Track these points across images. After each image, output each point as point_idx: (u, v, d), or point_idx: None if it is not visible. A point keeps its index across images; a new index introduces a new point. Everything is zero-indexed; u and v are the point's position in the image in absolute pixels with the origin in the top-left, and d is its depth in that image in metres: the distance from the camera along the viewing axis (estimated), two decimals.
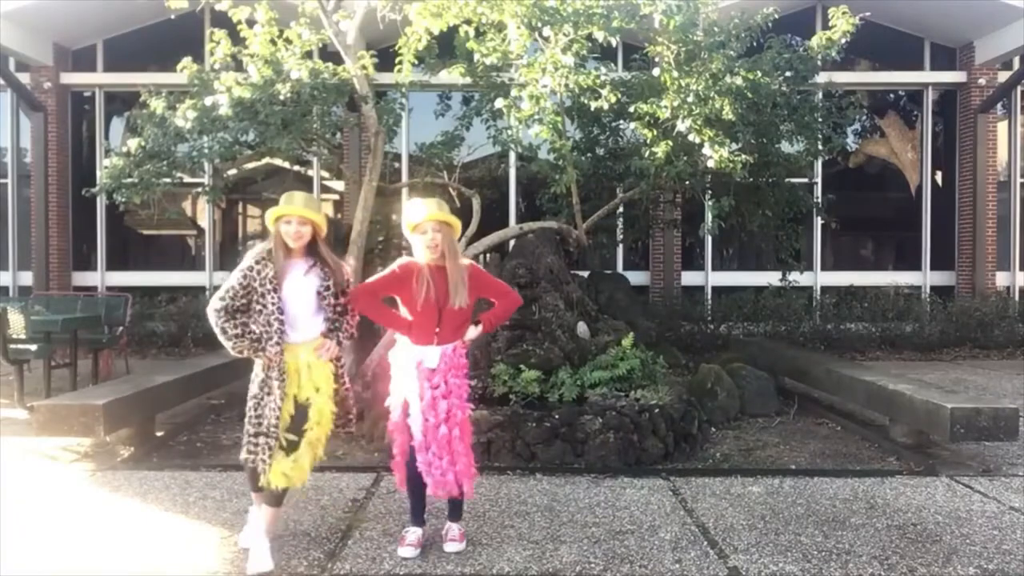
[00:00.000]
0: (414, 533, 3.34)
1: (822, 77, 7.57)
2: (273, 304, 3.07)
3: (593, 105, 6.11)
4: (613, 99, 6.04)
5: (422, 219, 3.21)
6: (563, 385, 5.23)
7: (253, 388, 3.17)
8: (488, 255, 7.53)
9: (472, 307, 3.36)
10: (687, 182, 6.74)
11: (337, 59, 6.69)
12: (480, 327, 3.39)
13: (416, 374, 3.22)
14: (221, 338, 3.10)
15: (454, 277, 3.22)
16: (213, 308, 3.09)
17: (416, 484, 3.29)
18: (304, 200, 3.16)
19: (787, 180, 7.48)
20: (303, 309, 3.16)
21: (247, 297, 3.10)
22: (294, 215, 3.10)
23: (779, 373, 7.06)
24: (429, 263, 3.25)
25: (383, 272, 3.34)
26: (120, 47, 11.60)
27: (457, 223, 3.35)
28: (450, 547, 3.32)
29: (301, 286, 3.15)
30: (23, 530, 3.58)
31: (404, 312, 3.31)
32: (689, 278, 11.66)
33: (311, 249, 3.20)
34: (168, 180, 6.50)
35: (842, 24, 6.49)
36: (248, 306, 3.12)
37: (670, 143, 5.96)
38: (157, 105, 6.28)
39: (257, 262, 3.10)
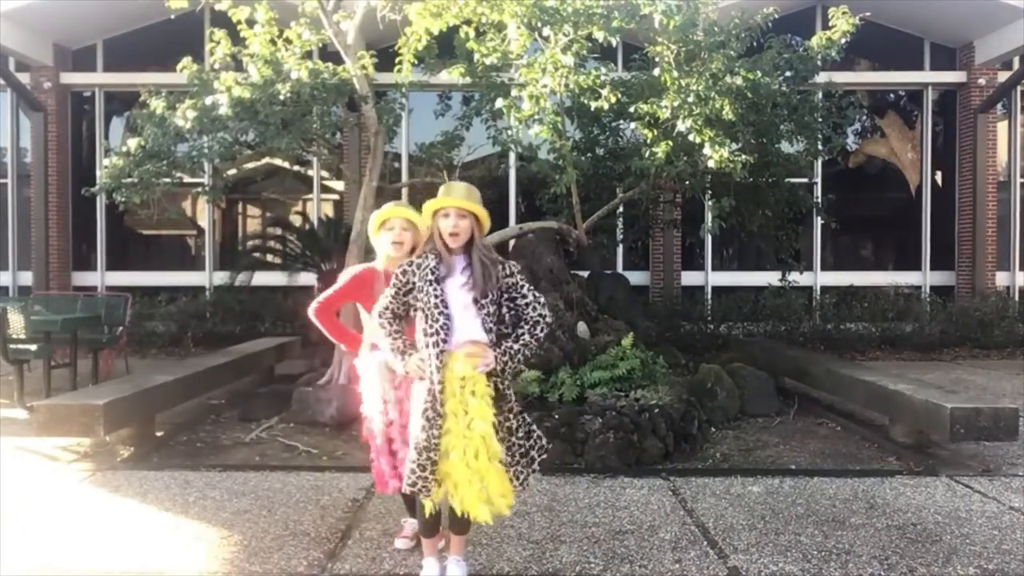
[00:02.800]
0: (411, 525, 3.36)
1: (822, 77, 7.57)
2: (436, 297, 2.72)
3: (593, 105, 6.11)
4: (613, 99, 6.03)
5: (388, 214, 3.19)
6: (563, 385, 5.23)
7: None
8: None
9: None
10: (687, 182, 6.74)
11: (337, 59, 6.69)
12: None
13: (382, 378, 3.16)
14: (387, 340, 2.82)
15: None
16: (378, 311, 2.82)
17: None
18: (465, 191, 2.85)
19: (787, 180, 7.48)
20: (460, 311, 2.81)
21: (408, 295, 2.78)
22: (451, 207, 2.78)
23: (779, 373, 7.06)
24: (387, 269, 3.17)
25: (339, 284, 3.27)
26: (120, 47, 11.60)
27: (421, 220, 3.23)
28: (400, 543, 3.34)
29: (459, 285, 2.83)
30: (23, 530, 3.58)
31: (365, 318, 3.26)
32: (689, 278, 11.66)
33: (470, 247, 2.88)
34: (168, 180, 6.51)
35: (842, 24, 6.49)
36: (407, 309, 2.81)
37: (670, 143, 5.95)
38: (157, 105, 6.29)
39: (418, 256, 2.84)
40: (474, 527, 3.28)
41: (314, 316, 3.28)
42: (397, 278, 2.79)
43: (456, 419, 2.69)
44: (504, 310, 2.80)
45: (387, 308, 2.81)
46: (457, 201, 2.76)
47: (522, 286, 2.83)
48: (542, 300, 2.85)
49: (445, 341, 2.70)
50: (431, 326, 2.70)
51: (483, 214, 2.81)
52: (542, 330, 2.80)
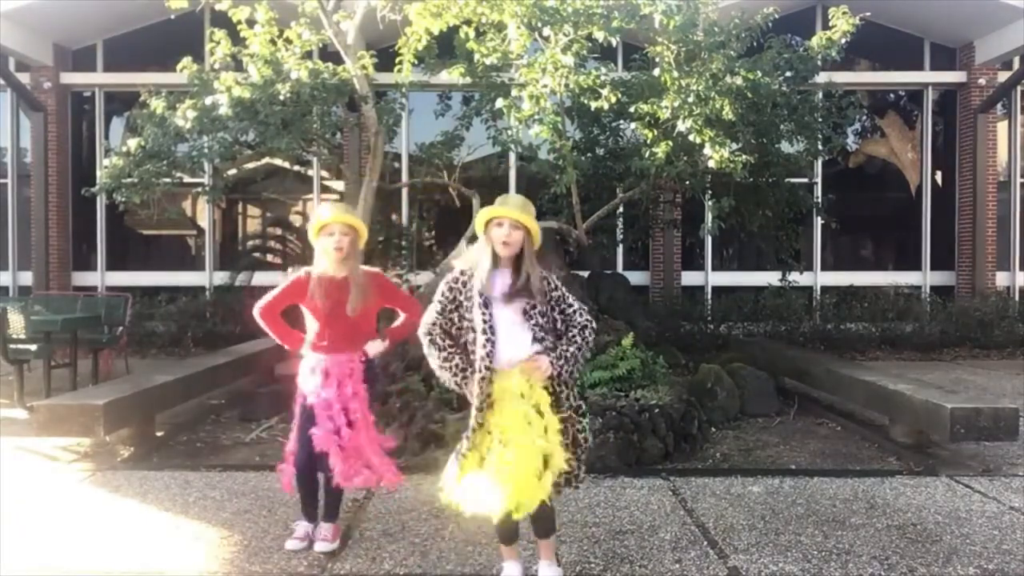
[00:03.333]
0: (303, 527, 3.39)
1: (822, 77, 7.57)
2: (484, 322, 2.73)
3: (593, 105, 6.11)
4: (613, 99, 6.03)
5: (328, 220, 3.18)
6: None
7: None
8: None
9: (374, 316, 3.40)
10: (687, 182, 6.74)
11: (337, 59, 6.70)
12: (385, 342, 3.38)
13: (317, 380, 3.22)
14: (433, 364, 2.83)
15: (357, 283, 3.24)
16: (423, 331, 2.82)
17: (307, 480, 3.34)
18: (521, 204, 2.84)
19: (787, 180, 7.48)
20: (507, 328, 2.80)
21: (455, 312, 2.80)
22: (505, 217, 2.78)
23: (779, 373, 7.06)
24: (322, 274, 3.23)
25: (279, 288, 3.34)
26: (120, 47, 11.60)
27: (362, 226, 3.33)
28: (321, 547, 3.30)
29: (506, 300, 2.82)
30: (23, 530, 3.58)
31: (311, 320, 3.31)
32: (689, 278, 11.66)
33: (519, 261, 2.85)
34: (168, 180, 6.51)
35: (842, 24, 6.49)
36: (455, 326, 2.82)
37: (670, 143, 5.95)
38: (157, 105, 6.29)
39: (462, 272, 2.83)
40: (473, 527, 3.28)
41: (258, 317, 3.36)
42: (443, 295, 2.80)
43: (518, 432, 2.72)
44: (556, 317, 2.84)
45: (435, 324, 2.81)
46: (512, 212, 2.77)
47: (567, 296, 2.88)
48: (586, 308, 2.92)
49: (489, 366, 2.72)
50: (479, 349, 2.73)
51: (536, 229, 2.81)
52: (591, 333, 2.84)
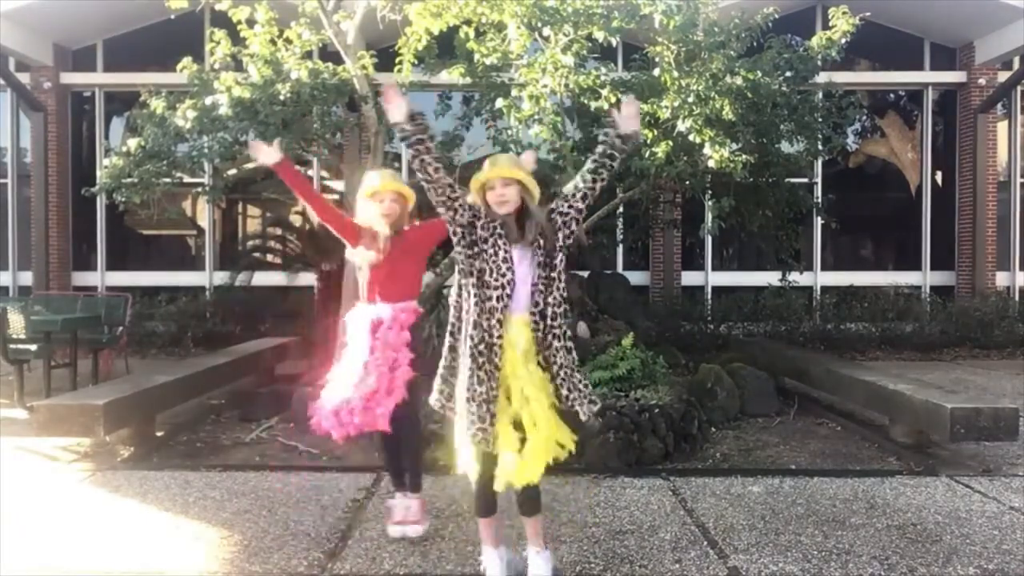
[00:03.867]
0: (398, 505, 3.45)
1: (822, 77, 7.55)
2: (506, 252, 2.71)
3: (593, 105, 6.11)
4: (613, 99, 6.03)
5: (379, 187, 3.33)
6: None
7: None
8: None
9: (420, 266, 3.59)
10: (687, 182, 6.73)
11: (337, 59, 6.69)
12: None
13: (367, 328, 3.35)
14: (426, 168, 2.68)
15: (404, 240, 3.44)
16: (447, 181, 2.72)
17: (388, 442, 3.44)
18: (508, 160, 2.89)
19: (787, 180, 7.48)
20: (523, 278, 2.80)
21: (465, 218, 2.72)
22: (495, 178, 2.78)
23: (779, 373, 7.06)
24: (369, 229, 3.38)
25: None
26: (120, 47, 11.60)
27: (410, 192, 3.47)
28: (412, 531, 3.39)
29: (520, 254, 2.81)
30: (23, 530, 3.58)
31: (360, 273, 3.48)
32: (689, 278, 11.66)
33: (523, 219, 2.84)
34: (168, 180, 6.51)
35: (842, 24, 6.48)
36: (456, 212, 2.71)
37: (670, 143, 5.95)
38: (157, 105, 6.29)
39: (488, 215, 2.77)
40: (473, 527, 3.27)
41: (316, 209, 3.52)
42: (470, 208, 2.73)
43: (514, 388, 2.73)
44: (575, 214, 2.83)
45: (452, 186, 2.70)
46: (499, 171, 2.77)
47: (569, 193, 2.86)
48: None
49: (510, 297, 2.71)
50: (497, 280, 2.69)
51: (529, 180, 2.80)
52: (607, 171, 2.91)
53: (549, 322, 2.76)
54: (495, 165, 2.81)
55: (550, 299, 2.76)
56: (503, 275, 2.70)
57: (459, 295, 2.81)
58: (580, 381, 2.84)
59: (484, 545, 2.96)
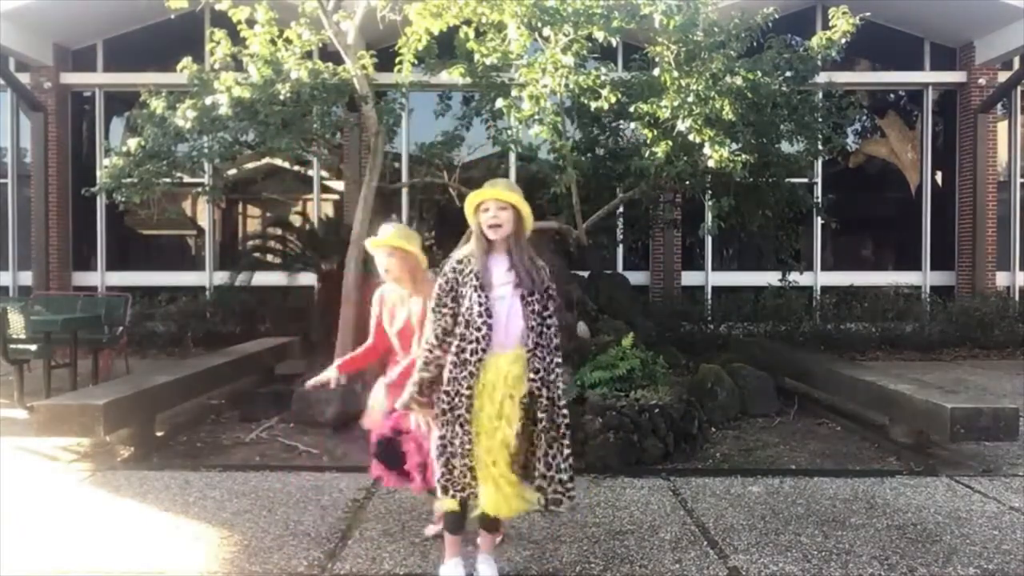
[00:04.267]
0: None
1: (822, 77, 7.56)
2: (480, 305, 2.69)
3: (593, 105, 6.10)
4: (613, 99, 6.03)
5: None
6: None
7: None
8: None
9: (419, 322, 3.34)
10: (687, 182, 6.74)
11: (337, 59, 6.69)
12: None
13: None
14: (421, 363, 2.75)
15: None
16: (431, 336, 2.73)
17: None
18: (506, 184, 2.84)
19: (787, 180, 7.48)
20: (503, 316, 2.77)
21: (455, 303, 2.73)
22: (491, 200, 2.75)
23: (779, 373, 7.06)
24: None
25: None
26: (120, 47, 11.60)
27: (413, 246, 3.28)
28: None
29: (502, 287, 2.79)
30: (23, 530, 3.58)
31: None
32: (689, 278, 11.65)
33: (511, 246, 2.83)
34: (168, 180, 6.50)
35: (842, 24, 6.48)
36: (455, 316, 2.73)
37: (670, 143, 5.95)
38: (157, 105, 6.28)
39: (459, 261, 2.78)
40: (474, 527, 3.28)
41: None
42: (441, 287, 2.74)
43: (488, 421, 2.70)
44: (548, 307, 2.79)
45: (437, 325, 2.72)
46: (495, 192, 2.74)
47: (552, 310, 2.82)
48: (560, 331, 2.88)
49: (484, 351, 2.69)
50: (472, 333, 2.68)
51: (524, 207, 2.77)
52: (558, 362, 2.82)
53: (538, 363, 2.72)
54: (493, 187, 2.78)
55: (540, 339, 2.74)
56: (478, 329, 2.68)
57: (439, 332, 2.75)
58: (562, 459, 2.74)
59: (449, 559, 2.95)
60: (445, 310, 2.74)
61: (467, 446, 2.70)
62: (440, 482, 2.75)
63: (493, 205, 2.74)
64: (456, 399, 2.70)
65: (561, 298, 6.21)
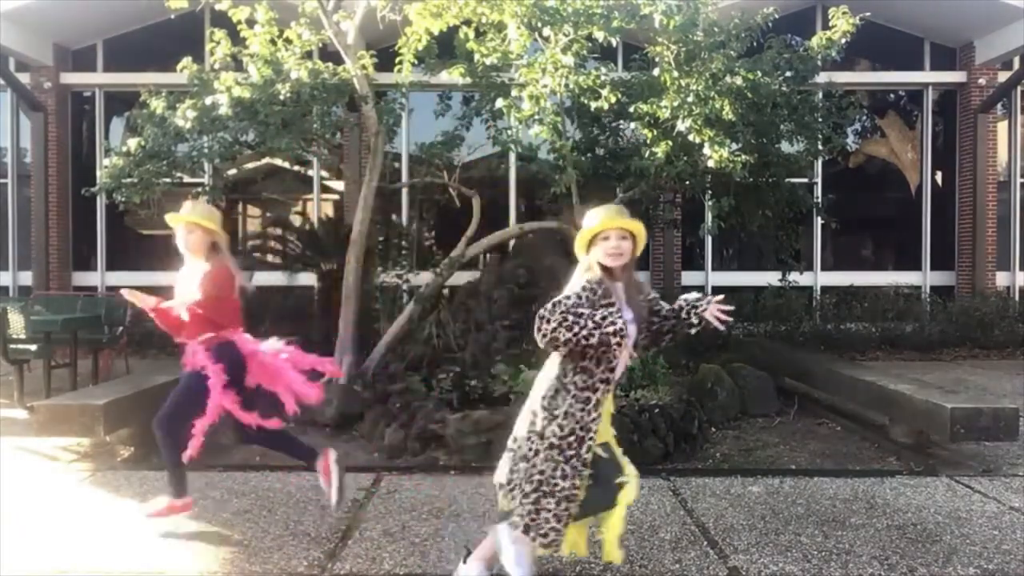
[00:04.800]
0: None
1: (822, 77, 7.55)
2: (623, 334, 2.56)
3: (593, 105, 6.11)
4: (613, 99, 6.03)
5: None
6: None
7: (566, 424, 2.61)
8: (488, 255, 7.53)
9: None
10: (687, 182, 6.73)
11: (337, 59, 6.68)
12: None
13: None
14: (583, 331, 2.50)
15: None
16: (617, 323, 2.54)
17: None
18: (621, 211, 2.77)
19: (787, 180, 7.48)
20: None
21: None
22: (612, 229, 2.68)
23: (779, 373, 7.06)
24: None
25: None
26: (120, 47, 11.60)
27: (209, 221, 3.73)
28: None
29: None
30: (23, 530, 3.58)
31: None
32: (689, 278, 11.65)
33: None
34: (168, 180, 6.50)
35: (842, 24, 6.48)
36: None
37: (670, 143, 5.95)
38: (157, 105, 6.28)
39: (596, 282, 2.64)
40: (474, 527, 3.27)
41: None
42: (575, 303, 2.55)
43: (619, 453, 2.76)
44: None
45: (589, 321, 2.52)
46: (620, 221, 2.68)
47: (657, 299, 2.92)
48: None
49: (614, 383, 2.69)
50: (607, 366, 2.62)
51: (643, 235, 2.73)
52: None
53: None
54: (608, 215, 2.69)
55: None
56: (610, 362, 2.63)
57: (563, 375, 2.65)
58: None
59: (477, 561, 2.85)
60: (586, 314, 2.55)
61: (576, 491, 2.60)
62: (549, 535, 2.62)
63: (615, 234, 2.67)
64: (575, 439, 2.59)
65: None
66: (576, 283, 2.69)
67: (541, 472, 2.60)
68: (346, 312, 6.48)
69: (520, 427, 2.73)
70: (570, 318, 2.48)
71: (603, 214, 2.72)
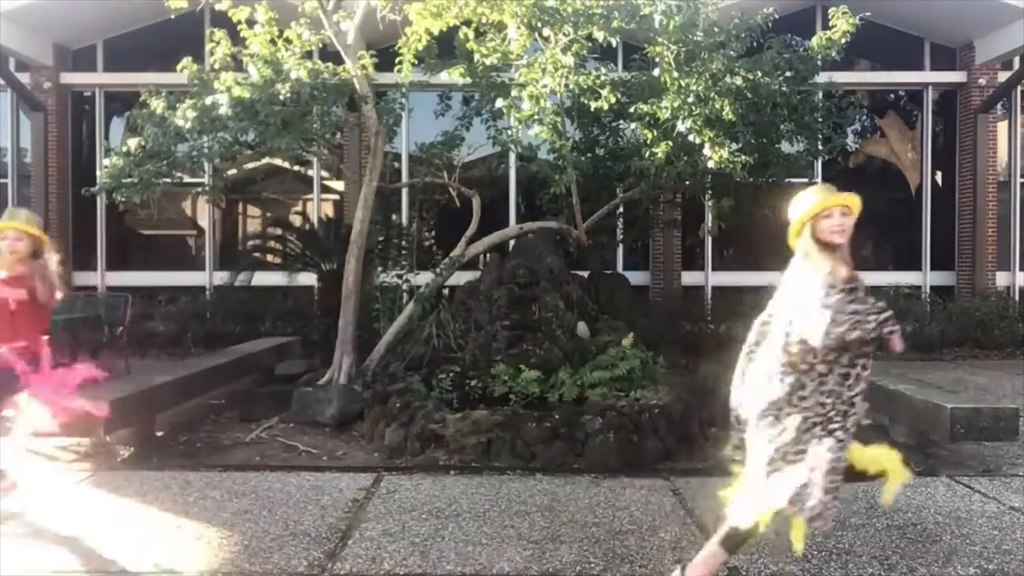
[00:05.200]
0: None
1: (822, 77, 7.56)
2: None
3: (593, 105, 6.11)
4: (613, 99, 6.03)
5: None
6: (563, 385, 5.23)
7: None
8: (488, 255, 7.53)
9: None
10: (687, 182, 6.74)
11: (337, 59, 6.68)
12: None
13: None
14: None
15: None
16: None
17: None
18: (831, 188, 2.79)
19: (787, 180, 7.48)
20: None
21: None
22: (835, 206, 2.70)
23: None
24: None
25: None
26: (120, 47, 11.60)
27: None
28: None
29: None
30: (23, 530, 3.58)
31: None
32: (689, 278, 11.65)
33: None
34: (168, 180, 6.51)
35: (842, 24, 6.48)
36: None
37: (670, 143, 5.95)
38: (157, 105, 6.28)
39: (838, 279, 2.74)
40: (474, 527, 3.28)
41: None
42: (841, 298, 2.74)
43: None
44: None
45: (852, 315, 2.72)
46: (842, 198, 2.69)
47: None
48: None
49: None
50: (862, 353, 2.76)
51: (859, 207, 2.76)
52: None
53: None
54: (826, 192, 2.72)
55: None
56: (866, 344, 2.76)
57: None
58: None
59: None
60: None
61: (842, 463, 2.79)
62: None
63: (837, 211, 2.69)
64: (846, 420, 2.80)
65: (561, 296, 6.23)
66: (806, 275, 2.78)
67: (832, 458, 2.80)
68: (346, 312, 6.48)
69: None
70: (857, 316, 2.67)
71: (821, 193, 2.72)
